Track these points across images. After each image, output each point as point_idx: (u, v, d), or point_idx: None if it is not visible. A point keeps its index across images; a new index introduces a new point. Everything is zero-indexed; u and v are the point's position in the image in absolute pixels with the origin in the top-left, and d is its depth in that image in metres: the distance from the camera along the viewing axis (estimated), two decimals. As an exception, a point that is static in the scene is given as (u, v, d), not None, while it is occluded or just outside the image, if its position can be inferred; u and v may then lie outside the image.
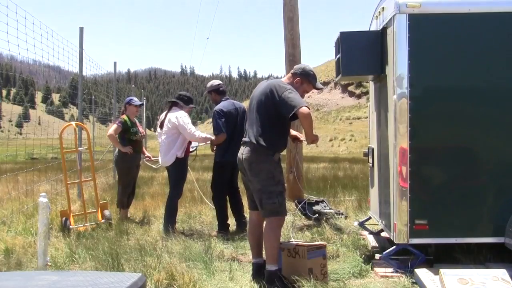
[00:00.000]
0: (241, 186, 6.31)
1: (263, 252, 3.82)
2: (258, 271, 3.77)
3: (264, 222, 3.77)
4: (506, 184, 4.00)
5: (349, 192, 8.40)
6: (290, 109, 3.51)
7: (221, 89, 5.72)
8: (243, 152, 3.77)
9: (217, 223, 5.75)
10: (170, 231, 5.27)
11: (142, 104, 7.77)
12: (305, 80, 3.81)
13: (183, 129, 5.42)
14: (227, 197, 5.76)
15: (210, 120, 6.96)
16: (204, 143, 5.80)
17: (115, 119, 7.15)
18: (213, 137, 5.50)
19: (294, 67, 3.92)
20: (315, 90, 3.98)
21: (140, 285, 1.74)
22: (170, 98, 5.89)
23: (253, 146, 3.68)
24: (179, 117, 5.47)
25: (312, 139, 3.72)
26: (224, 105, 5.54)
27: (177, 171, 5.62)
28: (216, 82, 5.87)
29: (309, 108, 3.56)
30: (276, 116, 3.65)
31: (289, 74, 3.90)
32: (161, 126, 5.66)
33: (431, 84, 4.01)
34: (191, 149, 5.79)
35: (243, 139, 3.84)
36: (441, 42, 3.98)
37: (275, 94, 3.60)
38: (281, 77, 4.15)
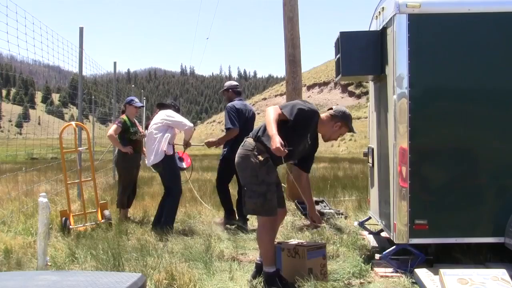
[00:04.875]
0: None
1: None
2: (261, 271, 3.76)
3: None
4: (506, 184, 4.00)
5: (349, 192, 8.40)
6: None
7: (238, 89, 6.20)
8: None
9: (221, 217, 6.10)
10: (170, 230, 5.29)
11: (143, 106, 7.79)
12: (344, 124, 3.77)
13: (178, 123, 5.58)
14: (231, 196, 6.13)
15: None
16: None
17: (115, 119, 7.16)
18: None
19: (334, 109, 3.81)
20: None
21: (140, 285, 1.74)
22: (161, 101, 6.09)
23: (246, 140, 3.71)
24: (171, 114, 5.66)
25: (272, 142, 3.38)
26: (236, 103, 5.92)
27: (170, 168, 5.64)
28: (234, 82, 6.38)
29: (280, 110, 3.57)
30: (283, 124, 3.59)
31: (329, 114, 3.78)
32: (146, 128, 5.85)
33: (431, 84, 4.01)
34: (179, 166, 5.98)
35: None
36: (441, 42, 3.98)
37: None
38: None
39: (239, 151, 3.73)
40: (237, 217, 5.94)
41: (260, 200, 3.56)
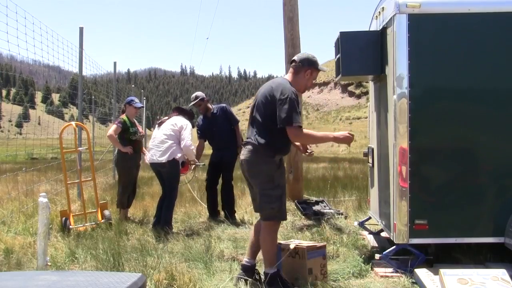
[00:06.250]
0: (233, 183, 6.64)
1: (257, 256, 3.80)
2: (247, 272, 3.70)
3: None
4: (506, 184, 4.00)
5: (349, 192, 8.40)
6: (280, 122, 3.45)
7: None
8: (243, 153, 3.65)
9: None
10: (170, 231, 5.31)
11: (142, 107, 7.80)
12: (314, 68, 3.70)
13: (183, 138, 5.64)
14: (214, 193, 6.56)
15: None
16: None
17: (115, 119, 7.17)
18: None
19: (297, 60, 3.67)
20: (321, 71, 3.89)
21: (140, 285, 1.74)
22: (179, 105, 6.23)
23: (254, 146, 3.56)
24: (186, 124, 5.75)
25: (338, 141, 3.69)
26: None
27: (176, 171, 5.68)
28: (202, 93, 6.67)
29: (300, 126, 3.47)
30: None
31: (292, 69, 3.68)
32: (160, 125, 5.82)
33: (431, 84, 4.01)
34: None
35: (245, 139, 3.74)
36: (441, 42, 3.98)
37: (276, 97, 3.50)
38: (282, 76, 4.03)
39: (248, 157, 3.59)
40: (221, 214, 6.38)
41: (277, 205, 3.54)
